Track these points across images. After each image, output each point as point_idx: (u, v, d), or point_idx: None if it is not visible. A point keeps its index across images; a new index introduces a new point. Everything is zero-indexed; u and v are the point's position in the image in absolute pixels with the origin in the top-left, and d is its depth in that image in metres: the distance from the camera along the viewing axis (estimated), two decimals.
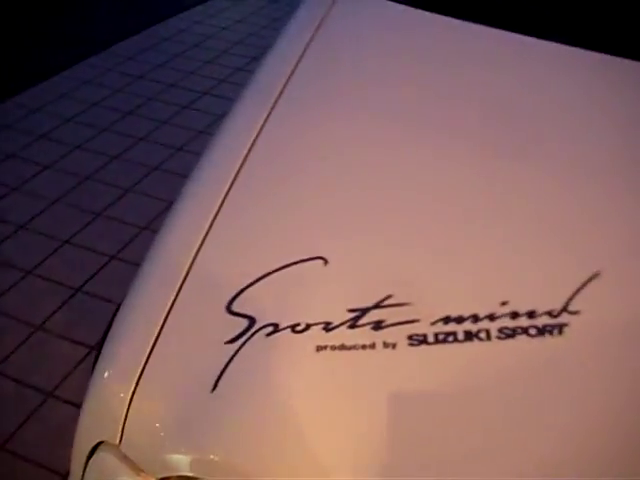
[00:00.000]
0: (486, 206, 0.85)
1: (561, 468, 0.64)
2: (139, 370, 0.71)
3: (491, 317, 0.72)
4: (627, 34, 1.12)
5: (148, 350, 0.72)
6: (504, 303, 0.73)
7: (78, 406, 0.75)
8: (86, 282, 2.13)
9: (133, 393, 0.70)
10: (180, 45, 3.81)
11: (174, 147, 2.82)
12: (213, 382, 0.68)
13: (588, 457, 0.65)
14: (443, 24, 1.17)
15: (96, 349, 0.84)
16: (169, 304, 0.75)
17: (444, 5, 1.19)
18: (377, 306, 0.73)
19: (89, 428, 0.74)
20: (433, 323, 0.72)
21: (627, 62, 1.06)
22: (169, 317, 0.74)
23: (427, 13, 1.18)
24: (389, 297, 0.74)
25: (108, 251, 2.26)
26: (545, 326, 0.72)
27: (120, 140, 2.87)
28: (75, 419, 0.74)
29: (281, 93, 1.02)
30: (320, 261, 0.77)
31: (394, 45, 1.16)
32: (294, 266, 0.76)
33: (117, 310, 0.78)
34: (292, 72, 1.04)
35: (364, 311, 0.73)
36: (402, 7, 1.21)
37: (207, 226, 0.82)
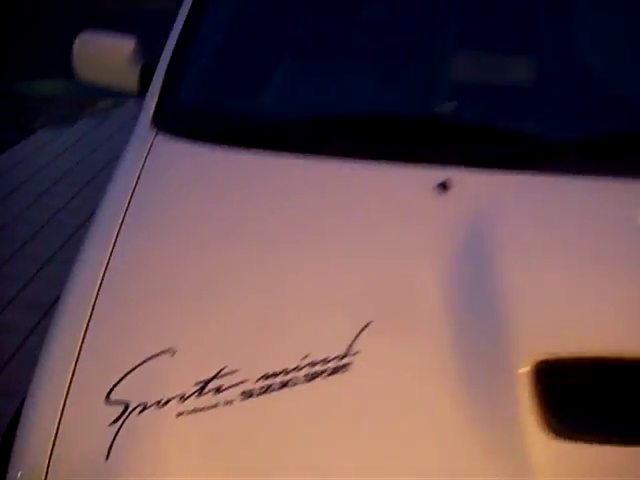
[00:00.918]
0: (292, 293, 1.16)
1: None
2: (45, 466, 0.94)
3: (297, 368, 1.02)
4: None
5: (50, 447, 0.96)
6: (305, 357, 1.03)
7: None
8: None
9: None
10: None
11: None
12: (105, 454, 0.93)
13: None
14: (248, 160, 1.48)
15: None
16: (62, 402, 0.99)
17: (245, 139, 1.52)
18: (215, 376, 1.01)
19: None
20: (256, 381, 1.00)
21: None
22: (64, 411, 0.98)
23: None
24: (224, 368, 1.02)
25: None
26: (338, 366, 1.03)
27: None
28: None
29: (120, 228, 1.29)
30: (169, 353, 1.04)
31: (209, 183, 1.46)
32: (152, 359, 1.03)
33: (20, 406, 1.02)
34: (123, 220, 1.30)
35: (207, 382, 1.00)
36: (211, 148, 1.51)
37: (81, 337, 1.07)
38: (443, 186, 1.35)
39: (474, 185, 1.38)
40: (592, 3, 1.96)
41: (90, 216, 1.46)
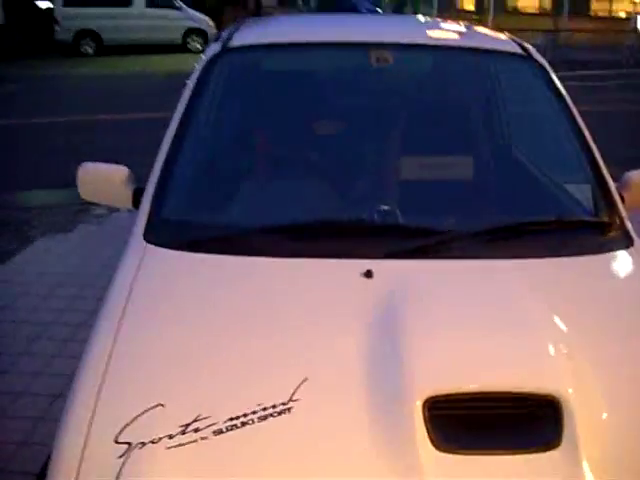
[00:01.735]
0: (249, 360, 1.56)
1: None
2: None
3: (253, 412, 1.41)
4: None
5: (75, 475, 1.33)
6: (259, 404, 1.42)
7: None
8: None
9: None
10: None
11: None
12: (115, 477, 1.31)
13: None
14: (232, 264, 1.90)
15: None
16: (83, 443, 1.37)
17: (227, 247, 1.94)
18: (194, 421, 1.39)
19: None
20: (224, 422, 1.39)
21: None
22: (85, 449, 1.36)
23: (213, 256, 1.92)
24: (200, 415, 1.40)
25: None
26: (283, 409, 1.41)
27: None
28: None
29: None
30: (160, 407, 1.43)
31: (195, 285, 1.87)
32: (148, 411, 1.42)
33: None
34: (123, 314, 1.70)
35: (188, 425, 1.39)
36: (191, 254, 1.93)
37: (95, 397, 1.46)
38: (368, 273, 1.77)
39: (392, 271, 1.81)
40: None
41: (91, 314, 1.83)
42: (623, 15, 23.23)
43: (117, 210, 5.58)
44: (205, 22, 20.78)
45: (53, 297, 4.25)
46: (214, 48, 2.57)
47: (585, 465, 1.36)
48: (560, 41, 18.39)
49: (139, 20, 19.65)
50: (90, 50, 19.46)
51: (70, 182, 2.45)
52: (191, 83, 2.43)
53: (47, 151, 7.81)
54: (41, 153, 7.73)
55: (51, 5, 19.65)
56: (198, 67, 2.50)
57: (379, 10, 45.19)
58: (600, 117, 10.23)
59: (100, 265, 4.41)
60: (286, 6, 37.66)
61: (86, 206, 5.65)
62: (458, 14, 22.82)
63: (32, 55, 18.10)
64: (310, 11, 44.74)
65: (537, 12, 26.61)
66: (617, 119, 10.22)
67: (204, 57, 2.55)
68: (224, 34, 2.71)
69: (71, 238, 5.33)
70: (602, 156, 2.30)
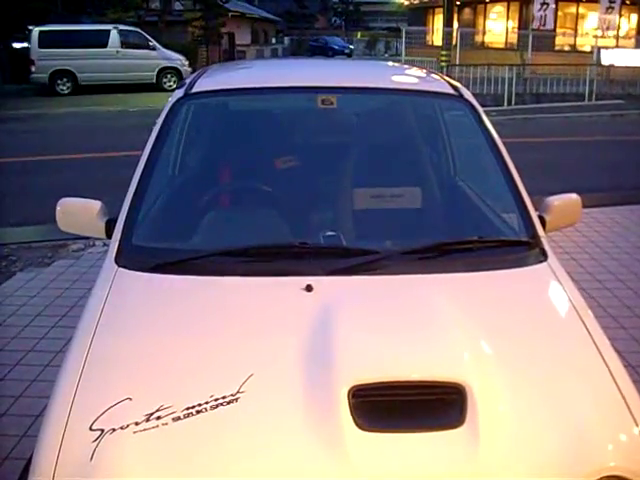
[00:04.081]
0: (204, 360, 1.83)
1: None
2: (53, 468, 1.57)
3: (206, 402, 1.68)
4: None
5: (56, 458, 1.59)
6: (211, 395, 1.70)
7: None
8: None
9: None
10: None
11: None
12: (90, 457, 1.57)
13: None
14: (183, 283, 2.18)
15: None
16: (62, 433, 1.64)
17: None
18: (156, 410, 1.66)
19: None
20: (182, 411, 1.66)
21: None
22: (64, 437, 1.63)
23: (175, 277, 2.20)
24: (162, 405, 1.67)
25: None
26: (231, 399, 1.69)
27: None
28: None
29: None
30: (128, 400, 1.70)
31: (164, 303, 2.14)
32: (118, 404, 1.68)
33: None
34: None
35: (151, 414, 1.66)
36: (157, 275, 2.21)
37: (74, 393, 1.73)
38: (309, 287, 2.06)
39: (330, 286, 2.09)
40: None
41: (68, 341, 2.08)
42: (588, 49, 24.02)
43: (93, 245, 5.89)
44: (179, 61, 21.28)
45: (30, 326, 4.46)
46: (178, 93, 2.88)
47: (482, 441, 1.65)
48: (526, 75, 19.01)
49: (114, 60, 20.10)
50: (66, 89, 19.80)
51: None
52: (157, 125, 2.73)
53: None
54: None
55: (27, 45, 19.99)
56: (164, 110, 2.80)
57: (351, 47, 46.09)
58: (571, 147, 10.74)
59: (79, 296, 4.66)
60: (259, 44, 38.45)
61: (65, 242, 5.94)
62: (427, 50, 23.41)
63: (6, 95, 18.36)
64: (284, 49, 45.76)
65: (504, 47, 27.43)
66: (587, 149, 10.71)
67: (169, 101, 2.86)
68: (187, 80, 3.03)
69: (50, 271, 5.55)
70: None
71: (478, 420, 1.67)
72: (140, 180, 2.52)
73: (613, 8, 21.06)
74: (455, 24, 23.48)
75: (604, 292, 4.97)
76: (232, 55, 30.96)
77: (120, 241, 2.34)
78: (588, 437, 1.70)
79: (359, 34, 53.47)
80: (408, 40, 23.23)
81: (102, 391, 1.76)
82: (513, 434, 1.69)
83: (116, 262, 2.26)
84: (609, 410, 1.78)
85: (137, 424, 1.64)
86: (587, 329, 2.01)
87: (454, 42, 21.74)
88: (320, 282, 2.08)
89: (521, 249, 2.40)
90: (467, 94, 2.95)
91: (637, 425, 1.73)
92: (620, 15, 23.59)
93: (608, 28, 22.13)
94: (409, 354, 1.83)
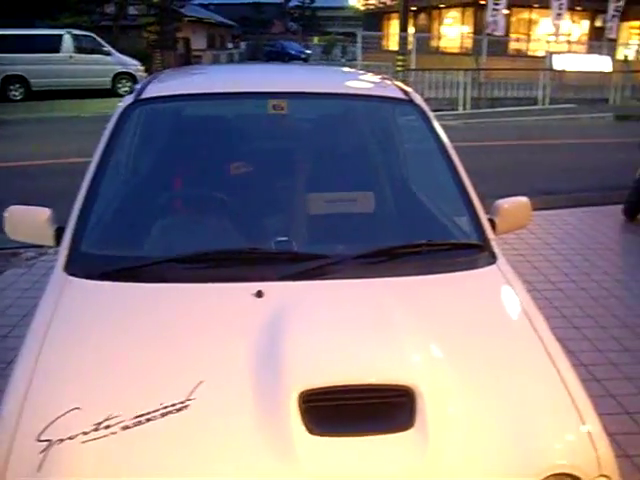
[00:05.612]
0: (153, 368, 1.82)
1: None
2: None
3: (156, 410, 1.67)
4: None
5: (4, 467, 1.56)
6: (161, 403, 1.68)
7: None
8: None
9: None
10: None
11: None
12: (37, 468, 1.55)
13: None
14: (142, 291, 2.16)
15: None
16: (11, 442, 1.61)
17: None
18: (105, 420, 1.65)
19: None
20: (131, 419, 1.64)
21: None
22: (13, 447, 1.60)
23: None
24: (111, 414, 1.66)
25: None
26: (181, 407, 1.68)
27: None
28: None
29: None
30: (76, 410, 1.67)
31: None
32: (66, 414, 1.66)
33: None
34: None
35: (100, 423, 1.64)
36: (107, 283, 2.18)
37: (21, 402, 1.71)
38: (259, 293, 2.06)
39: (281, 291, 2.10)
40: None
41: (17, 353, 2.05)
42: (541, 54, 24.43)
43: (45, 253, 5.79)
44: (135, 66, 21.06)
45: None
46: (128, 99, 2.86)
47: (432, 443, 1.66)
48: (481, 79, 19.26)
49: (68, 65, 19.82)
50: (18, 95, 19.46)
51: None
52: (107, 131, 2.71)
53: None
54: None
55: None
56: (113, 116, 2.77)
57: (308, 51, 46.22)
58: (524, 151, 10.90)
59: (31, 305, 4.57)
60: (215, 48, 38.29)
61: (18, 251, 5.83)
62: (384, 55, 23.55)
63: None
64: (240, 54, 45.66)
65: (459, 52, 27.77)
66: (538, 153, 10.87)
67: (119, 107, 2.83)
68: (137, 87, 3.00)
69: (2, 280, 5.45)
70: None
71: (427, 422, 1.69)
72: (89, 186, 2.49)
73: (561, 14, 21.40)
74: (411, 29, 23.68)
75: (557, 293, 5.06)
76: (188, 60, 30.86)
77: (69, 249, 2.31)
78: (536, 436, 1.73)
79: (316, 39, 53.73)
80: (364, 45, 23.34)
81: (50, 401, 1.73)
82: (462, 435, 1.71)
83: (65, 270, 2.23)
84: (557, 409, 1.82)
85: (85, 434, 1.62)
86: (535, 330, 2.05)
87: (410, 47, 21.91)
88: (271, 288, 2.08)
89: (471, 252, 2.43)
90: (417, 99, 2.98)
91: (584, 423, 1.77)
92: (572, 21, 24.03)
93: (559, 34, 22.52)
94: (359, 358, 1.84)
